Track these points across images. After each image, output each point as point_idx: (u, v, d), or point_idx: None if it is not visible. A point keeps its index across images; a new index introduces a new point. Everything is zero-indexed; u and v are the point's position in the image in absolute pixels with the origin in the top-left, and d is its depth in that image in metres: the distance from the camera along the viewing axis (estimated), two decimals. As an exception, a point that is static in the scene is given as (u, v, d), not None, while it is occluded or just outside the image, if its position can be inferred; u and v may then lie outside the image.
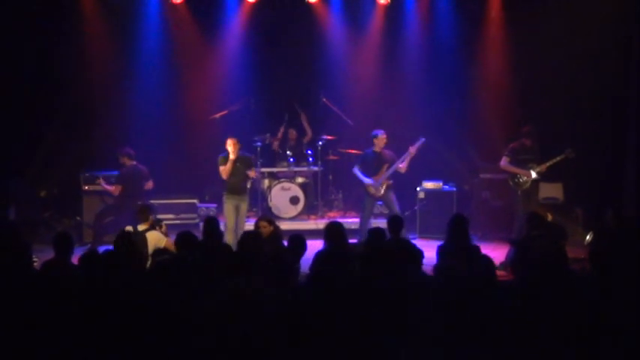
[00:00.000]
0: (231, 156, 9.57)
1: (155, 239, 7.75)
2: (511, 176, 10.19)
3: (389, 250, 6.84)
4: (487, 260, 5.66)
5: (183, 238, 6.69)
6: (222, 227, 8.06)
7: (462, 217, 7.41)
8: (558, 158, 9.96)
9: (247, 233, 7.10)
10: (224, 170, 9.59)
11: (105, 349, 4.76)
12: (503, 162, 10.21)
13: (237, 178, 9.68)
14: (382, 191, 10.34)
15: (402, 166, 10.32)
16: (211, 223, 7.43)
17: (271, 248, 6.93)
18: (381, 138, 10.39)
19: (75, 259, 6.43)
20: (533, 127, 10.18)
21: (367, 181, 10.34)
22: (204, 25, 12.21)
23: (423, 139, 10.44)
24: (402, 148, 10.51)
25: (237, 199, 9.68)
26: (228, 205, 9.66)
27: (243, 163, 9.71)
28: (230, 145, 9.58)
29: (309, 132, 12.21)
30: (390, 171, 10.35)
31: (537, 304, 5.08)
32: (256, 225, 7.74)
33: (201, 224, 10.94)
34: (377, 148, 10.43)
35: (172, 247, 7.33)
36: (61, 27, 11.42)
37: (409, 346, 4.84)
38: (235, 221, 9.57)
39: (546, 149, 10.19)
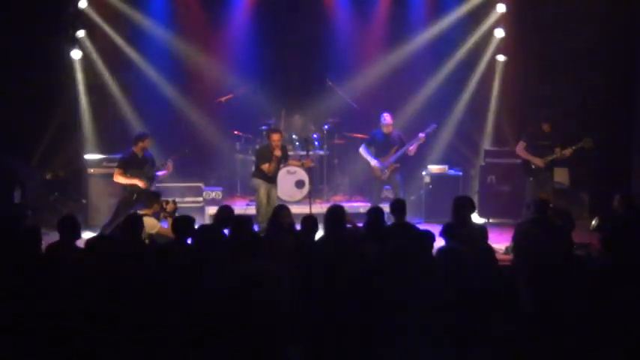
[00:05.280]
0: (277, 152, 9.93)
1: (148, 226, 7.77)
2: (524, 162, 10.07)
3: (391, 234, 6.88)
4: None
5: (180, 223, 6.74)
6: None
7: (465, 198, 7.43)
8: (575, 147, 9.77)
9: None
10: (268, 169, 9.93)
11: (109, 332, 4.76)
12: (519, 147, 10.07)
13: (275, 168, 10.11)
14: (387, 174, 10.42)
15: (412, 149, 10.39)
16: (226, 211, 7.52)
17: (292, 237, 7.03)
18: (386, 119, 10.48)
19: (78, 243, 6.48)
20: (551, 112, 10.03)
21: (373, 162, 10.42)
22: (211, 8, 12.13)
23: (434, 125, 10.51)
24: (412, 130, 10.57)
25: (269, 186, 10.07)
26: (262, 189, 9.96)
27: (283, 154, 10.17)
28: (276, 141, 9.94)
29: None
30: (397, 155, 10.41)
31: (542, 289, 5.07)
32: (279, 214, 7.61)
33: (207, 208, 11.11)
34: (385, 130, 10.50)
35: (166, 233, 7.64)
36: (69, 11, 11.40)
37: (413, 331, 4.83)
38: (266, 205, 9.88)
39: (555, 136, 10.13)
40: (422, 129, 10.61)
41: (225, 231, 7.09)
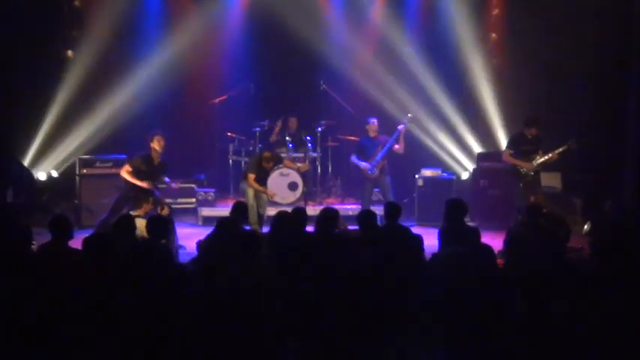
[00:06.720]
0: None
1: (140, 228, 7.70)
2: (512, 168, 10.06)
3: (382, 236, 6.88)
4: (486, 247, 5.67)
5: (155, 224, 6.65)
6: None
7: (458, 200, 7.43)
8: (561, 149, 9.78)
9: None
10: (251, 184, 9.91)
11: (102, 333, 4.75)
12: (505, 154, 10.05)
13: (265, 175, 10.19)
14: (377, 172, 10.46)
15: (398, 147, 10.41)
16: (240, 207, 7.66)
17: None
18: (372, 124, 10.62)
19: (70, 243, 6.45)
20: (536, 116, 10.03)
21: (363, 165, 10.49)
22: (205, 10, 12.13)
23: (410, 115, 10.61)
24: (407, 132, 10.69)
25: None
26: (251, 192, 9.94)
27: (276, 159, 10.30)
28: (270, 161, 10.07)
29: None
30: (384, 151, 10.44)
31: (533, 294, 5.08)
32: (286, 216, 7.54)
33: (200, 209, 11.13)
34: (371, 134, 10.63)
35: None
36: (61, 8, 11.39)
37: (408, 333, 4.84)
38: (256, 205, 9.94)
39: (547, 139, 10.13)
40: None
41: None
